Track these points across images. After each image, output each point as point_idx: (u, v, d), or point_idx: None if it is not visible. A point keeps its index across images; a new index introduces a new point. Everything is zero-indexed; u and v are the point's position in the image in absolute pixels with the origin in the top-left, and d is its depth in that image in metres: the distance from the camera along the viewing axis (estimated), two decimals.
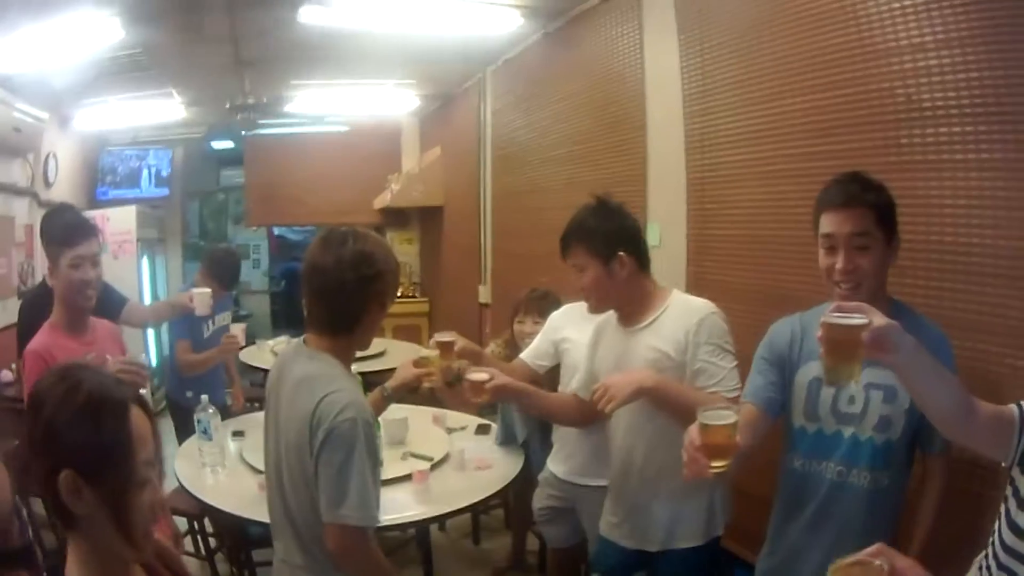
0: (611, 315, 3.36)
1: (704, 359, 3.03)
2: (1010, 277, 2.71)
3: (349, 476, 2.54)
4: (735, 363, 3.03)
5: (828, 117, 3.46)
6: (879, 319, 1.90)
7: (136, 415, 1.67)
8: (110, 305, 4.63)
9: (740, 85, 4.01)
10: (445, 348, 3.59)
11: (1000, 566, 2.00)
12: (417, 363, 3.55)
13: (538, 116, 6.48)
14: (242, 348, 6.21)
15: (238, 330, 5.90)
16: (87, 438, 1.60)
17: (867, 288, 2.55)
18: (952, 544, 2.46)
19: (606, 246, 3.15)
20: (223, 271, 5.90)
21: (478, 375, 3.27)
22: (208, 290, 5.19)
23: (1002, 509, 2.06)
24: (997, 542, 2.03)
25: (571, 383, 3.75)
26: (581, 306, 3.54)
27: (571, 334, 3.95)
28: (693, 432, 2.27)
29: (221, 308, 5.93)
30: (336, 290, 2.66)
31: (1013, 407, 2.04)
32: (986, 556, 2.07)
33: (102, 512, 1.61)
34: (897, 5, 3.06)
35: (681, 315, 3.13)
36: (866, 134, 3.26)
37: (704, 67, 4.25)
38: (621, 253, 3.14)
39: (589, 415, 3.34)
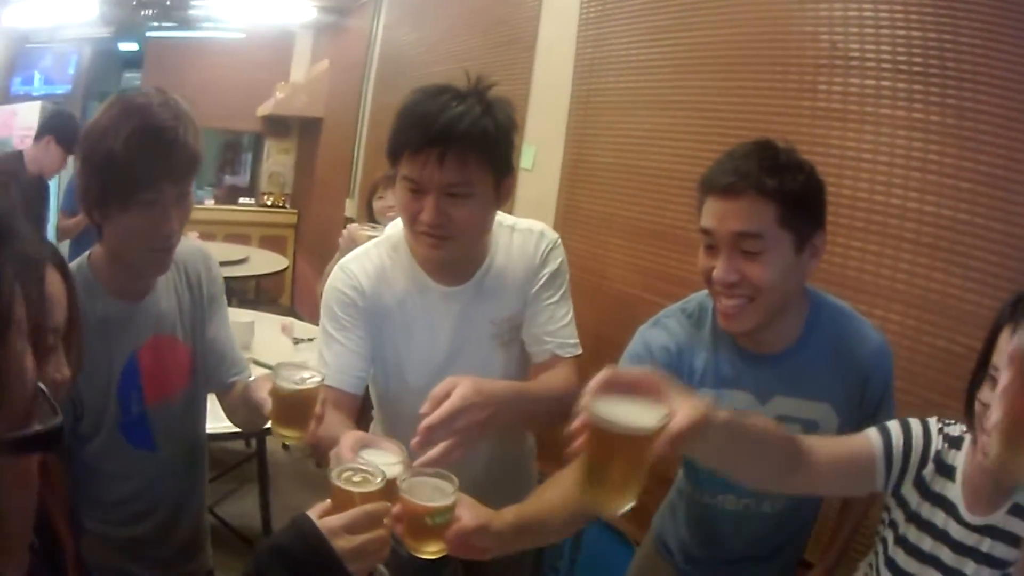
0: (406, 269, 2.15)
1: (547, 299, 2.17)
2: (932, 247, 2.24)
3: None
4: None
5: (735, 53, 2.95)
6: (681, 406, 1.21)
7: (52, 278, 1.38)
8: None
9: (643, 12, 3.46)
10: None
11: None
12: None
13: (429, 32, 5.90)
14: None
15: None
16: None
17: (762, 306, 1.76)
18: None
19: (506, 161, 2.03)
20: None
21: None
22: None
23: (879, 544, 1.69)
24: None
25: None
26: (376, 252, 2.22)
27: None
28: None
29: None
30: None
31: (870, 436, 1.64)
32: None
33: None
34: None
35: (518, 253, 2.19)
36: (777, 75, 2.75)
37: None
38: (510, 175, 2.08)
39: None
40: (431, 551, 1.53)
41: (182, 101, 1.89)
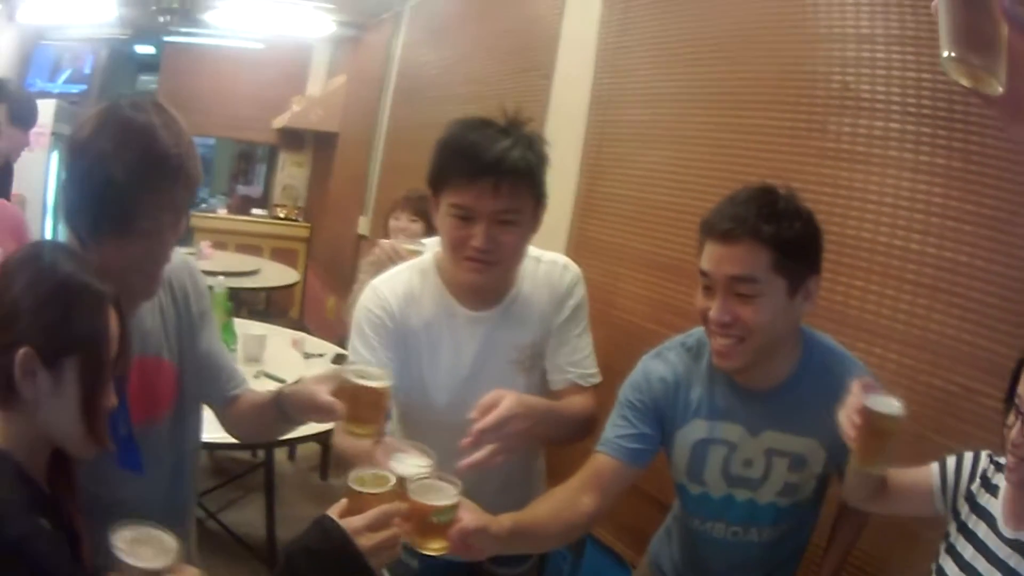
0: (434, 293, 2.29)
1: (571, 331, 2.33)
2: (932, 288, 2.29)
3: None
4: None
5: (751, 90, 3.01)
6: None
7: (110, 313, 1.54)
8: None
9: (661, 45, 3.52)
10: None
11: None
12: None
13: (448, 53, 5.96)
14: None
15: None
16: (56, 322, 1.47)
17: (753, 346, 1.88)
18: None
19: (543, 191, 2.21)
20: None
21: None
22: None
23: (933, 564, 1.76)
24: None
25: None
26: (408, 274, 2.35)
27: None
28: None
29: None
30: None
31: (931, 467, 1.80)
32: None
33: (55, 400, 1.47)
34: None
35: (543, 283, 2.33)
36: (788, 113, 2.81)
37: (626, 23, 3.75)
38: (543, 204, 2.24)
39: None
40: (434, 547, 1.69)
41: (180, 118, 1.76)
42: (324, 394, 1.81)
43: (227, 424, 2.20)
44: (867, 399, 1.63)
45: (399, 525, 1.62)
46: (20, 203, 4.89)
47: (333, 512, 1.54)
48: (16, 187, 4.74)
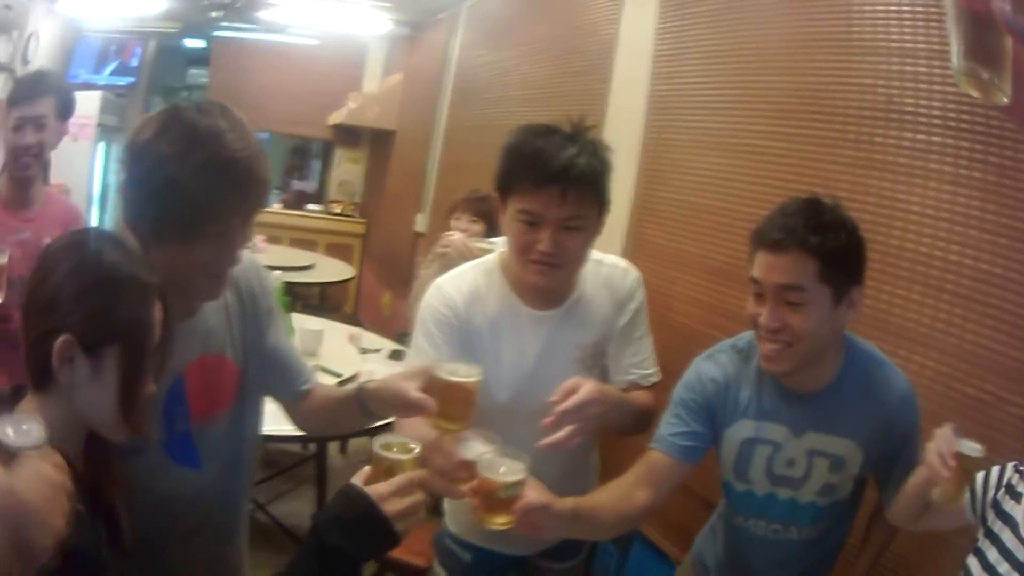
0: (499, 292, 2.40)
1: (632, 334, 2.47)
2: (968, 298, 2.38)
3: None
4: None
5: (799, 100, 3.10)
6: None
7: (154, 303, 1.56)
8: None
9: (714, 54, 3.62)
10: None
11: None
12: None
13: (504, 55, 6.06)
14: None
15: None
16: (99, 311, 1.48)
17: (800, 351, 2.00)
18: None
19: (607, 196, 2.29)
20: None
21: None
22: None
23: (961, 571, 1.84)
24: None
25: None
26: (471, 275, 2.47)
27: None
28: None
29: None
30: None
31: None
32: None
33: (92, 386, 1.49)
34: (894, 8, 2.70)
35: (604, 285, 2.46)
36: (836, 124, 2.90)
37: (681, 31, 3.85)
38: (606, 208, 2.32)
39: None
40: (500, 522, 1.81)
41: (246, 120, 1.75)
42: (414, 391, 1.87)
43: (298, 418, 2.27)
44: (957, 444, 1.76)
45: (470, 504, 1.81)
46: (64, 193, 4.99)
47: (357, 479, 1.56)
48: (61, 178, 4.81)
